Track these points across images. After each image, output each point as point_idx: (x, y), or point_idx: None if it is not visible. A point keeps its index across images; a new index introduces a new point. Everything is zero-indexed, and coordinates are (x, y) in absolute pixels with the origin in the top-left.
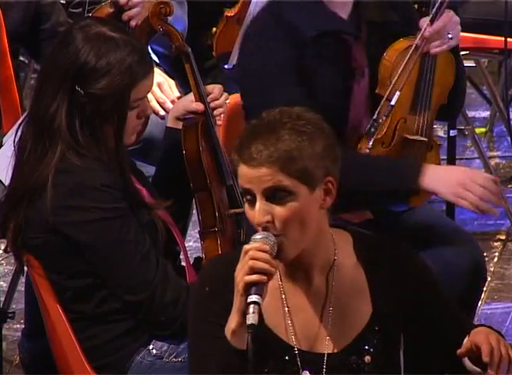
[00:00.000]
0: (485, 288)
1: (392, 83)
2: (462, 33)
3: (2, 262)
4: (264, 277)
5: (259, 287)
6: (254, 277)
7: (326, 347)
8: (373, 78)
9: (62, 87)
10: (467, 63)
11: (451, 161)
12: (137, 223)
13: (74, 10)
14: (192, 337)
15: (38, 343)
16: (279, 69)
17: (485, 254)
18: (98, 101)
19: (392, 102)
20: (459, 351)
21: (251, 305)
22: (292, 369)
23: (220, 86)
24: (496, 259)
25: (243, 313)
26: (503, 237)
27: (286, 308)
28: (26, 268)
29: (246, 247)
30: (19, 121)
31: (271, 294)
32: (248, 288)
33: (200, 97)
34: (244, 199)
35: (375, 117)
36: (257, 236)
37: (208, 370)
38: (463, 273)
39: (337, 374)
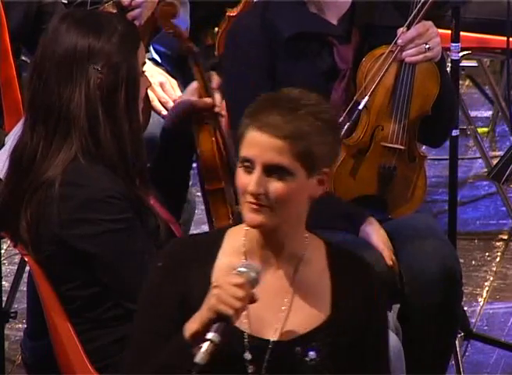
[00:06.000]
0: (487, 288)
1: (363, 87)
2: (464, 33)
3: (4, 261)
4: (233, 319)
5: (223, 326)
6: (230, 312)
7: (274, 334)
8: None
9: (73, 73)
10: (469, 63)
11: (453, 161)
12: (144, 231)
13: None
14: (138, 312)
15: (40, 343)
16: (252, 73)
17: (487, 254)
18: (115, 71)
19: (360, 107)
20: None
21: (207, 343)
22: (236, 349)
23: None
24: (498, 259)
25: (207, 325)
26: (505, 237)
27: None
28: (28, 268)
29: (233, 281)
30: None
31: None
32: (215, 320)
33: (209, 96)
34: (240, 165)
35: (340, 120)
36: (243, 269)
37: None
38: (433, 280)
39: (279, 362)
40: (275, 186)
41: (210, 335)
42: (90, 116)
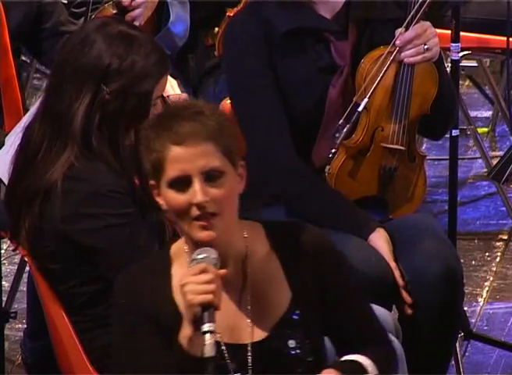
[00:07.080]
0: (487, 288)
1: (362, 89)
2: (464, 33)
3: (4, 261)
4: (216, 303)
5: (212, 313)
6: (210, 298)
7: (249, 336)
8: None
9: (85, 87)
10: (469, 63)
11: (453, 161)
12: (147, 226)
13: (76, 10)
14: (119, 350)
15: (40, 343)
16: (252, 72)
17: (487, 254)
18: (124, 98)
19: (360, 109)
20: None
21: (207, 335)
22: (219, 361)
23: None
24: (498, 259)
25: (195, 322)
26: (505, 237)
27: None
28: (28, 268)
29: (195, 270)
30: (23, 121)
31: None
32: (201, 312)
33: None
34: (167, 189)
35: (340, 122)
36: (200, 255)
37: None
38: (434, 280)
39: (263, 362)
40: (216, 191)
41: (205, 327)
42: (85, 130)
